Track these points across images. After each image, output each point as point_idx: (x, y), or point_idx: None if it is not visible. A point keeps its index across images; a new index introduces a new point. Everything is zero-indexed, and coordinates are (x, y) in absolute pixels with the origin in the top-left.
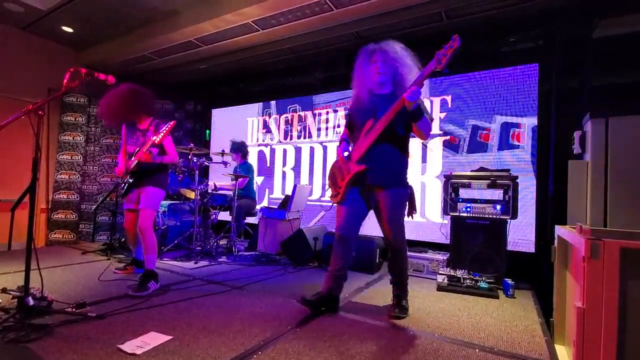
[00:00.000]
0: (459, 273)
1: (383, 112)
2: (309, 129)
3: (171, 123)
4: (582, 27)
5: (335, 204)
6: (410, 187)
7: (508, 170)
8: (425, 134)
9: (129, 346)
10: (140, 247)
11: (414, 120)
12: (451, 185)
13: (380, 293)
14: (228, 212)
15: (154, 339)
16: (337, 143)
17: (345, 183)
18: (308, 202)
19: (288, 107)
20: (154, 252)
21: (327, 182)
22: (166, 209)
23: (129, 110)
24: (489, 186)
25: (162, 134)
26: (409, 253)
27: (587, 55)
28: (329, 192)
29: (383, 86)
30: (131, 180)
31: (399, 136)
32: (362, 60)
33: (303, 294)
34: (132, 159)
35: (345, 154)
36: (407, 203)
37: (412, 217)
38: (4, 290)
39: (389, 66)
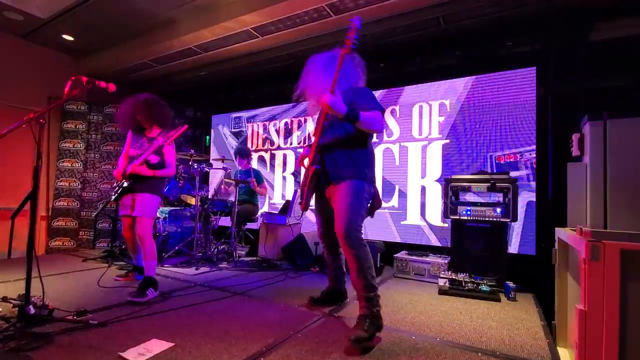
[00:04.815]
0: (460, 276)
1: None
2: (309, 134)
3: (182, 128)
4: (577, 30)
5: (303, 211)
6: (373, 186)
7: (507, 173)
8: (373, 129)
9: (130, 354)
10: (140, 253)
11: (351, 122)
12: (451, 189)
13: (383, 296)
14: (229, 218)
15: (155, 346)
16: None
17: (307, 188)
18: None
19: (288, 113)
20: (154, 259)
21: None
22: (167, 215)
23: (144, 117)
24: (489, 189)
25: (170, 138)
26: (410, 257)
27: (583, 59)
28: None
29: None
30: (126, 185)
31: (347, 132)
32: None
33: (306, 298)
34: (131, 164)
35: (306, 161)
36: (368, 200)
37: (372, 216)
38: (5, 299)
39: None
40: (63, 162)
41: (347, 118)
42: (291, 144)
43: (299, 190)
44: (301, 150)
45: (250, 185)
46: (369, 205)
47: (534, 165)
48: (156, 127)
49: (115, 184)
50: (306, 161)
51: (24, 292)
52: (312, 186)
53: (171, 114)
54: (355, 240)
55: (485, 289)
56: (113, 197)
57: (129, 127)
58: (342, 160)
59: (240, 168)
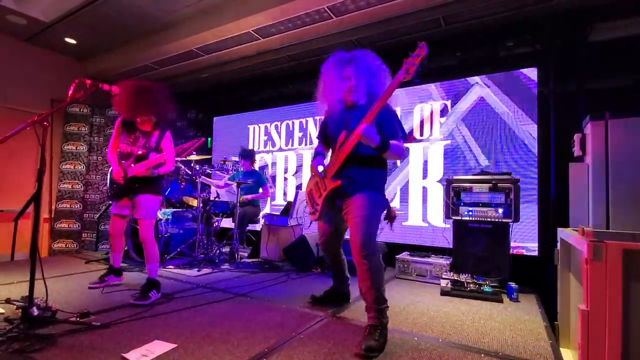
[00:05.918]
0: (462, 277)
1: (356, 123)
2: (310, 135)
3: (200, 140)
4: (577, 30)
5: (314, 221)
6: (387, 200)
7: (509, 174)
8: (397, 157)
9: (133, 355)
10: (120, 254)
11: (379, 152)
12: (453, 189)
13: None
14: (230, 219)
15: (158, 348)
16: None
17: (322, 200)
18: None
19: (289, 114)
20: (156, 261)
21: (305, 198)
22: (169, 217)
23: (162, 115)
24: (491, 190)
25: (188, 150)
26: (411, 258)
27: (583, 59)
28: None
29: (356, 100)
30: (128, 187)
31: (372, 152)
32: (332, 72)
33: (308, 298)
34: (131, 166)
35: (320, 168)
36: (383, 210)
37: (391, 227)
38: (8, 301)
39: (362, 80)
40: (66, 164)
41: (378, 149)
42: (292, 145)
43: (300, 200)
44: (302, 151)
45: (243, 197)
46: (383, 216)
47: (536, 165)
48: (153, 119)
49: (112, 183)
50: (320, 168)
51: (27, 294)
52: (329, 198)
53: (172, 106)
54: (371, 250)
55: (487, 289)
56: (113, 195)
57: (127, 115)
58: (364, 176)
59: (242, 169)
